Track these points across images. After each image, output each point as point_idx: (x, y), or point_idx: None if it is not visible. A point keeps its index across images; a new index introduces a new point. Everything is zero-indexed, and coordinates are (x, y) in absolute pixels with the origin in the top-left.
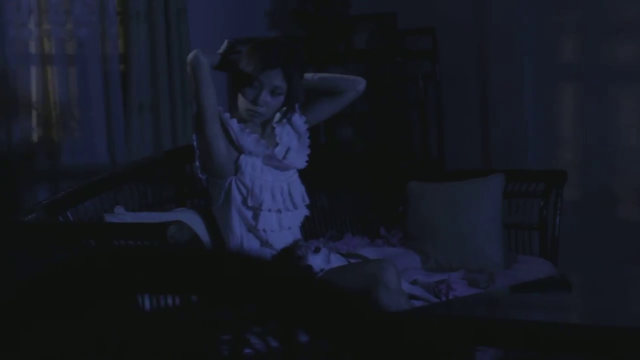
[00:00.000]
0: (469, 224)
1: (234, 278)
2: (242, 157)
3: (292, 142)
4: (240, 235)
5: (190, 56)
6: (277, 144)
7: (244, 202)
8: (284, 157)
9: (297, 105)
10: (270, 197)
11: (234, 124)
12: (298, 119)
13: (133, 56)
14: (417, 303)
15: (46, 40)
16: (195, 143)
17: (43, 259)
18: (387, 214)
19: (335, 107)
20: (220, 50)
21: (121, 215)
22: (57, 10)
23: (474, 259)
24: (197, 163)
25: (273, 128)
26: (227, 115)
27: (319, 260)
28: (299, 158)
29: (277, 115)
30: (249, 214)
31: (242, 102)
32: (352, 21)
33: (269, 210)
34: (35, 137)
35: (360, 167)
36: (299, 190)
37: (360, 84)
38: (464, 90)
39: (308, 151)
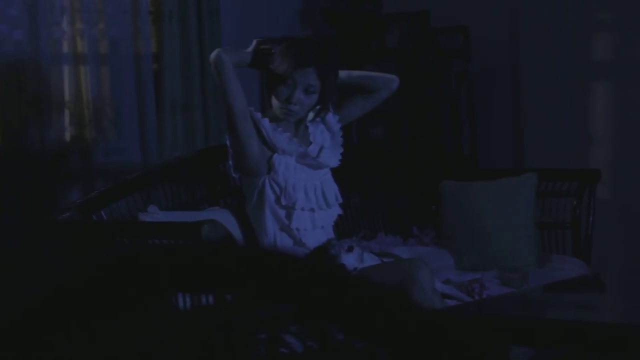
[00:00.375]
0: (502, 223)
1: (269, 276)
2: (275, 156)
3: (326, 140)
4: (273, 234)
5: (212, 55)
6: (310, 143)
7: (277, 201)
8: (317, 156)
9: (330, 104)
10: (304, 196)
11: (266, 123)
12: (331, 117)
13: (166, 55)
14: (451, 302)
15: (79, 40)
16: (228, 142)
17: (77, 259)
18: (420, 213)
19: (368, 106)
20: (250, 49)
21: (155, 215)
22: (89, 10)
23: (507, 258)
24: (230, 162)
25: (306, 127)
26: (259, 114)
27: (352, 259)
28: (332, 157)
29: (311, 114)
30: (282, 213)
31: (275, 101)
32: (385, 20)
33: (302, 209)
34: (68, 136)
35: (393, 166)
36: (332, 189)
37: (394, 82)
38: (496, 89)
39: (341, 150)
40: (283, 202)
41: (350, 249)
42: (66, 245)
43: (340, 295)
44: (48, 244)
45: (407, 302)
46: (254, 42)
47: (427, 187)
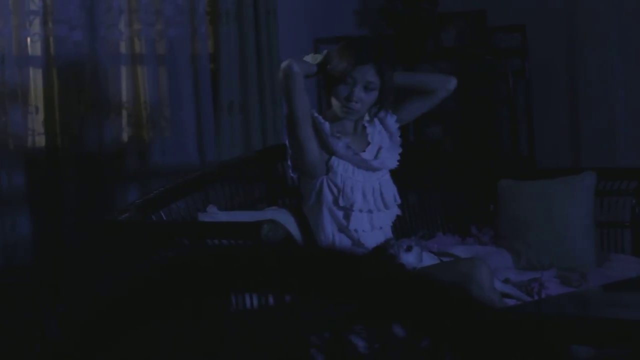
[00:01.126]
0: (561, 222)
1: (332, 276)
2: (333, 157)
3: (384, 141)
4: (331, 235)
5: (283, 65)
6: (368, 143)
7: (335, 202)
8: (376, 157)
9: (388, 103)
10: (362, 197)
11: (326, 127)
12: (389, 118)
13: (223, 56)
14: (510, 302)
15: (136, 40)
16: (287, 142)
17: (138, 259)
18: (478, 213)
19: (426, 106)
20: (318, 61)
21: (214, 215)
22: (147, 11)
23: (565, 257)
24: (288, 162)
25: (364, 127)
26: (320, 117)
27: (411, 259)
28: (391, 158)
29: (368, 115)
30: (340, 214)
31: (335, 100)
32: (441, 19)
33: (360, 211)
34: (125, 136)
35: (450, 165)
36: (390, 190)
37: (451, 82)
38: (553, 88)
39: (400, 150)
40: (341, 204)
41: (409, 249)
42: (127, 246)
43: (404, 294)
44: (109, 244)
45: (471, 301)
46: (324, 52)
47: (484, 186)
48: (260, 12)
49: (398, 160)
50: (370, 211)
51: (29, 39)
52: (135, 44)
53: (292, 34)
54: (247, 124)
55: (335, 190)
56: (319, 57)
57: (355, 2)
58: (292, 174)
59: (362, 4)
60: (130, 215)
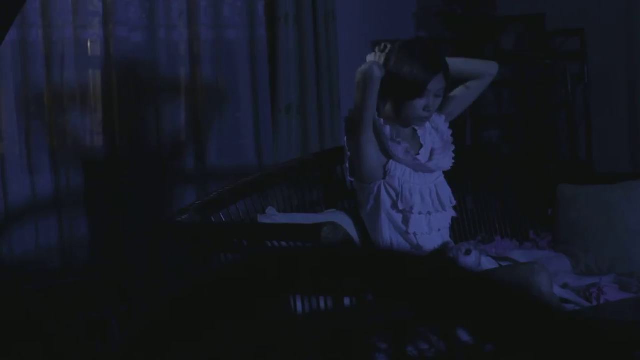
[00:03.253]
0: (620, 227)
1: (396, 278)
2: (391, 161)
3: (436, 142)
4: (389, 239)
5: (365, 68)
6: (420, 146)
7: (394, 205)
8: (430, 159)
9: None
10: (420, 200)
11: (387, 131)
12: (437, 117)
13: (281, 58)
14: (569, 307)
15: (195, 42)
16: (346, 145)
17: (197, 260)
18: (536, 217)
19: (471, 97)
20: (382, 61)
21: (273, 216)
22: (206, 13)
23: (624, 263)
24: (346, 165)
25: (414, 130)
26: (382, 121)
27: (470, 263)
28: (445, 159)
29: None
30: (399, 218)
31: (409, 111)
32: (500, 22)
33: (420, 213)
34: (183, 137)
35: (508, 169)
36: (446, 192)
37: (494, 67)
38: (612, 92)
39: (452, 148)
40: (400, 207)
41: (468, 252)
42: (186, 247)
43: (469, 296)
44: (168, 245)
45: (539, 304)
46: (387, 48)
47: (543, 190)
48: (319, 15)
49: (453, 159)
50: (429, 213)
51: (88, 40)
52: (194, 46)
53: (350, 36)
54: (304, 126)
55: (393, 193)
56: (382, 57)
57: (412, 5)
58: (349, 178)
59: (420, 7)
60: (189, 217)
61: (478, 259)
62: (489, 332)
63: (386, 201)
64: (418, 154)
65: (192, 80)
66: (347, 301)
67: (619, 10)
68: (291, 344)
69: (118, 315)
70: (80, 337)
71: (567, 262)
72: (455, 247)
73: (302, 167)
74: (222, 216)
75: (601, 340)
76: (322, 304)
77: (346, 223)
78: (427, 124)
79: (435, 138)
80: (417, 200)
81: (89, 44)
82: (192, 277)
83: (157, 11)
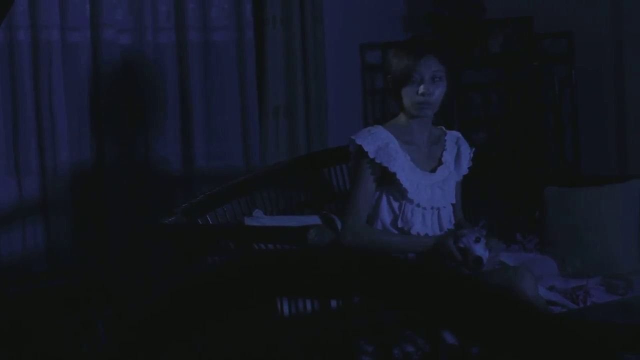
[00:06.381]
0: (607, 229)
1: (380, 281)
2: (399, 173)
3: (450, 164)
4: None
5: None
6: (440, 164)
7: (393, 223)
8: (444, 182)
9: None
10: (421, 220)
11: (395, 146)
12: (465, 146)
13: (269, 60)
14: (556, 309)
15: (183, 45)
16: (350, 148)
17: (184, 262)
18: (523, 220)
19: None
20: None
21: (260, 219)
22: (194, 15)
23: (611, 265)
24: (350, 164)
25: (444, 149)
26: (393, 138)
27: (482, 249)
28: (451, 191)
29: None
30: (394, 230)
31: (407, 99)
32: (488, 25)
33: (418, 233)
34: (171, 140)
35: (495, 172)
36: (447, 214)
37: None
38: (600, 95)
39: (459, 179)
40: (399, 225)
41: (477, 240)
42: (173, 248)
43: (455, 299)
44: (155, 248)
45: (525, 306)
46: None
47: (530, 193)
48: (307, 17)
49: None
50: (426, 235)
51: (76, 42)
52: (182, 48)
53: (338, 39)
54: (292, 128)
55: (395, 209)
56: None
57: (401, 8)
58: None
59: (408, 9)
60: (176, 219)
61: (485, 245)
62: (474, 334)
63: (385, 216)
64: (435, 171)
65: (179, 83)
66: (333, 303)
67: (607, 14)
68: (277, 346)
69: (105, 318)
70: (67, 339)
71: (554, 264)
72: (466, 236)
73: (289, 169)
74: (209, 219)
75: (585, 343)
76: (308, 307)
77: (333, 226)
78: (454, 150)
79: (451, 159)
80: (418, 220)
81: (76, 46)
82: (178, 280)
83: (144, 13)
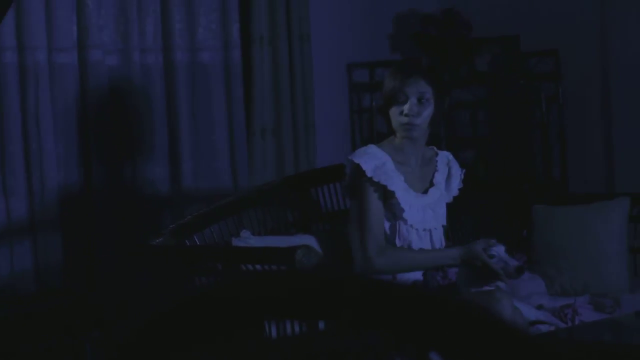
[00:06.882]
0: (594, 248)
1: (367, 303)
2: (398, 194)
3: (441, 184)
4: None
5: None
6: (431, 185)
7: (391, 240)
8: (435, 203)
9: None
10: (417, 238)
11: (390, 166)
12: (457, 169)
13: (256, 80)
14: (544, 328)
15: (170, 65)
16: (347, 169)
17: (172, 284)
18: (511, 238)
19: None
20: None
21: (248, 240)
22: (181, 35)
23: (599, 283)
24: (345, 182)
25: (435, 171)
26: (385, 156)
27: (514, 259)
28: (442, 213)
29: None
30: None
31: (394, 120)
32: (475, 43)
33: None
34: (158, 160)
35: (483, 190)
36: (439, 237)
37: None
38: (587, 112)
39: (448, 200)
40: (398, 244)
41: (506, 250)
42: (160, 269)
43: (441, 320)
44: (142, 268)
45: (510, 329)
46: None
47: (517, 211)
48: (294, 37)
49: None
50: (451, 245)
51: (63, 64)
52: (169, 69)
53: (326, 59)
54: (279, 148)
55: (387, 229)
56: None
57: (388, 27)
58: (344, 194)
59: (396, 29)
60: (164, 240)
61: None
62: (461, 355)
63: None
64: (426, 192)
65: (167, 103)
66: (321, 325)
67: (593, 31)
68: None
69: (92, 340)
70: None
71: (542, 283)
72: (497, 245)
73: (277, 190)
74: (196, 239)
75: None
76: (296, 329)
77: (321, 246)
78: (445, 171)
79: (442, 181)
80: (414, 238)
81: (63, 67)
82: (166, 301)
83: (131, 35)
